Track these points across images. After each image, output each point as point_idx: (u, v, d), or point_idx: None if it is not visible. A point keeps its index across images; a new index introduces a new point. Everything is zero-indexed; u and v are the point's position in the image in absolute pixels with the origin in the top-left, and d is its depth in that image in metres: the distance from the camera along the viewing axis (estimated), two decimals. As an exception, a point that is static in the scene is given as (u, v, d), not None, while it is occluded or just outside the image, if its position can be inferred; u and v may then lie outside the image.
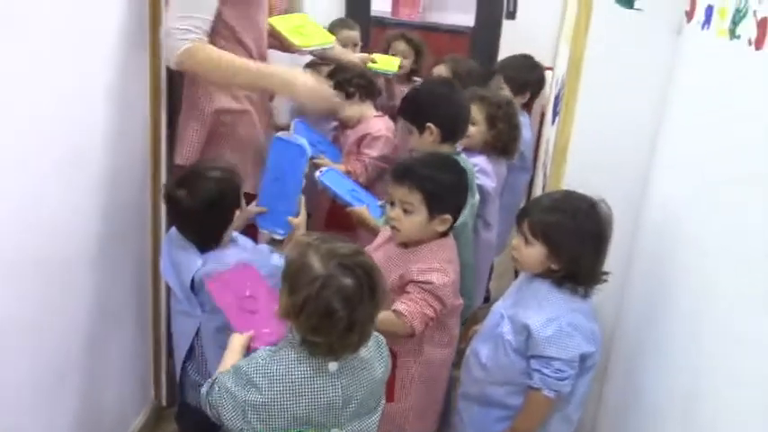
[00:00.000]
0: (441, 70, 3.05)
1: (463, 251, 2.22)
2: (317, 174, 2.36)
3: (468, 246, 2.29)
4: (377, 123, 2.71)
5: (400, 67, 3.01)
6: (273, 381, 1.39)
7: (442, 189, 1.88)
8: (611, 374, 2.17)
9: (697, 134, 1.68)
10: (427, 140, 2.24)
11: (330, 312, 1.34)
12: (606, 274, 1.78)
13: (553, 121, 2.49)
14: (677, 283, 1.65)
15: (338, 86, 2.67)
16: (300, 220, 2.01)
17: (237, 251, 1.87)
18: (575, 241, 1.72)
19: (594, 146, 2.07)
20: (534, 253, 1.76)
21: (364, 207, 2.28)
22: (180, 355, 1.94)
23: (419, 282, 1.84)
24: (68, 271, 1.70)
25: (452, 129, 2.26)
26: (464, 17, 4.82)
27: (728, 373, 1.26)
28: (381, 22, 4.74)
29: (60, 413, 1.75)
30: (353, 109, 2.71)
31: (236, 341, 1.60)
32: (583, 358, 1.74)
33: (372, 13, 4.62)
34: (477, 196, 2.35)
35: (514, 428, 1.83)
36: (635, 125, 2.03)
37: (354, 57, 2.75)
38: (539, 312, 1.75)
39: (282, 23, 2.26)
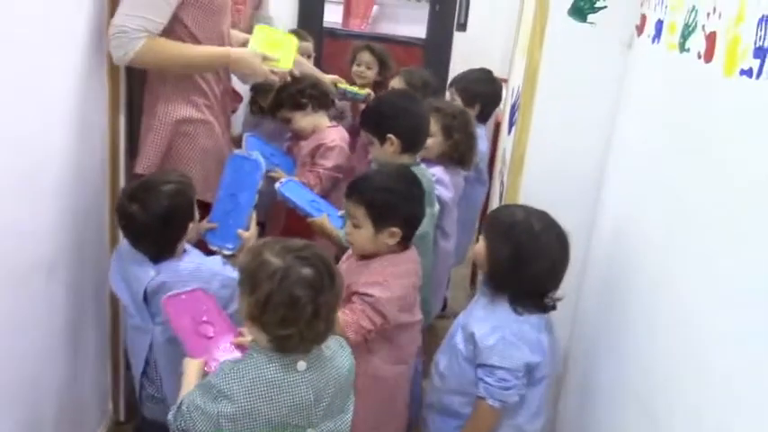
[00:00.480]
0: (396, 83, 3.10)
1: (423, 260, 2.25)
2: (277, 185, 2.37)
3: (428, 255, 2.32)
4: (330, 134, 2.72)
5: (371, 92, 3.05)
6: (245, 387, 1.39)
7: (385, 203, 1.88)
8: (569, 381, 2.22)
9: (648, 143, 1.74)
10: (388, 151, 2.27)
11: (295, 301, 1.35)
12: (555, 300, 1.78)
13: (509, 132, 2.55)
14: (631, 285, 1.71)
15: (291, 97, 2.68)
16: (250, 233, 2.00)
17: (190, 260, 1.87)
18: (504, 250, 1.73)
19: (550, 155, 2.12)
20: (480, 249, 1.82)
21: (325, 217, 2.29)
22: (137, 370, 1.92)
23: (361, 293, 1.84)
24: (23, 281, 1.65)
25: (413, 140, 2.29)
26: (415, 28, 4.88)
27: (684, 371, 1.31)
28: (332, 33, 4.77)
29: (12, 428, 1.70)
30: (306, 120, 2.71)
31: (192, 366, 1.59)
32: (530, 369, 1.74)
33: (324, 25, 4.64)
34: (437, 206, 2.38)
35: None
36: (589, 135, 2.09)
37: (325, 77, 2.77)
38: (484, 321, 1.76)
39: (265, 36, 2.26)
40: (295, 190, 2.40)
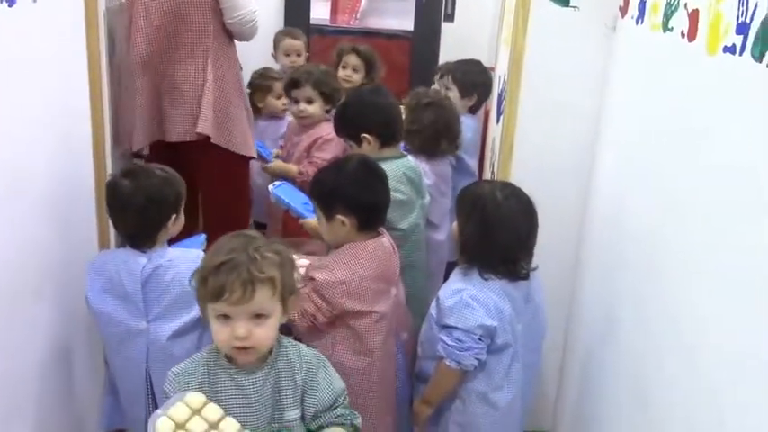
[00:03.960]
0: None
1: (415, 252, 2.23)
2: (271, 187, 2.35)
3: (420, 247, 2.30)
4: (327, 127, 2.71)
5: None
6: None
7: (324, 192, 1.91)
8: (568, 373, 2.21)
9: (636, 126, 1.73)
10: (367, 151, 2.22)
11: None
12: (528, 269, 1.80)
13: (498, 121, 2.53)
14: (623, 274, 1.69)
15: (323, 84, 2.70)
16: None
17: (173, 249, 1.88)
18: (470, 223, 1.81)
19: (539, 142, 2.11)
20: (454, 227, 1.89)
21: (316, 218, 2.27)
22: (134, 390, 1.85)
23: (307, 278, 1.83)
24: (12, 302, 1.62)
25: (389, 132, 2.24)
26: (402, 21, 4.83)
27: (674, 361, 1.30)
28: (320, 30, 4.72)
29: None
30: (319, 110, 2.71)
31: None
32: (489, 333, 1.75)
33: (311, 21, 4.61)
34: (428, 197, 2.36)
35: (425, 395, 1.89)
36: (577, 120, 2.07)
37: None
38: (449, 285, 1.83)
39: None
40: (288, 192, 2.38)
